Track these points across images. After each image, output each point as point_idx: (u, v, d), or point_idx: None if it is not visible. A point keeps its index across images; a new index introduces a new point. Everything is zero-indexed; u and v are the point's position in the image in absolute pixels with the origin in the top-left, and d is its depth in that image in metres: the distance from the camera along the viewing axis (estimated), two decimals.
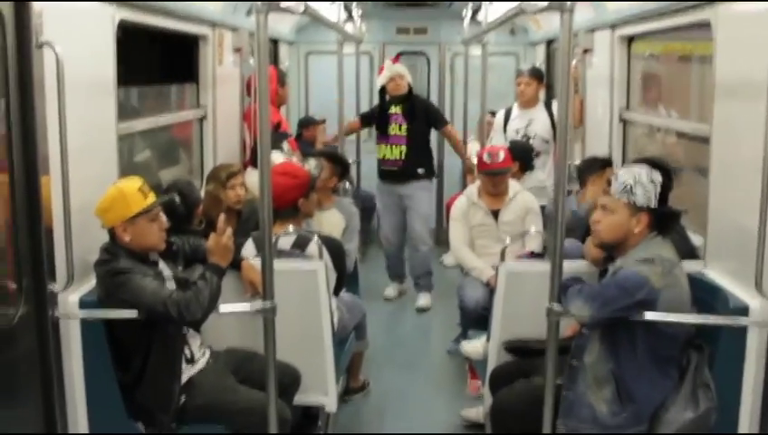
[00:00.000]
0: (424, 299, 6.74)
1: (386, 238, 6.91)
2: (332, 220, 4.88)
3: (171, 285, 3.23)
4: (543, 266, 3.14)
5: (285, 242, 3.87)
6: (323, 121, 7.45)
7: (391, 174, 6.68)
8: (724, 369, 3.01)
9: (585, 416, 3.00)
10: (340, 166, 5.22)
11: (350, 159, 6.53)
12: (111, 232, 3.15)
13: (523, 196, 5.08)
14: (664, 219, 3.07)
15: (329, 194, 5.07)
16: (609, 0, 4.90)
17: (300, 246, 3.89)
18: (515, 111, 6.17)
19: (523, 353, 3.63)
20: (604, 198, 3.14)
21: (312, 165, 4.76)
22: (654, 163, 3.11)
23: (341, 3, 6.52)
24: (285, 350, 3.23)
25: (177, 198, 3.93)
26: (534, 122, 6.02)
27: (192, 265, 3.55)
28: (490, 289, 4.59)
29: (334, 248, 4.03)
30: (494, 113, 6.62)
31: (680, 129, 4.56)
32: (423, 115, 6.59)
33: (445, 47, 8.91)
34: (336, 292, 4.09)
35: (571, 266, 3.18)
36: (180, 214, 3.97)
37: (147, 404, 3.16)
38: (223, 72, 5.31)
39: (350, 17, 7.44)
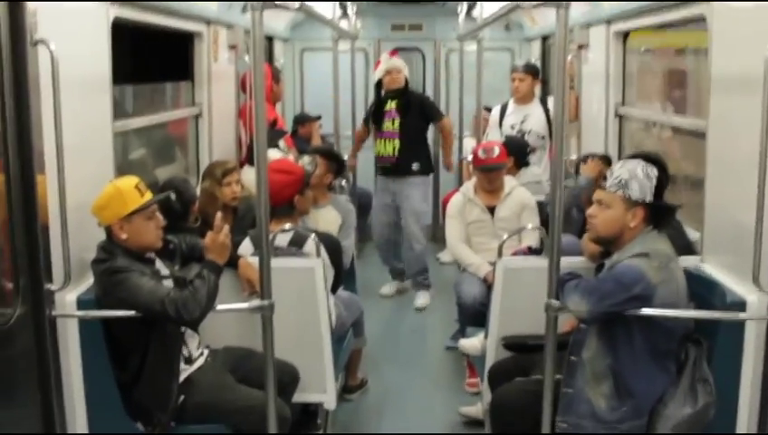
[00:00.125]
0: (422, 298, 6.71)
1: (376, 234, 6.89)
2: (328, 217, 4.87)
3: (168, 284, 3.22)
4: (541, 262, 3.15)
5: (282, 240, 3.86)
6: (319, 118, 7.44)
7: (386, 170, 6.66)
8: (723, 363, 3.01)
9: (584, 412, 3.00)
10: (335, 163, 5.20)
11: (346, 155, 6.53)
12: (108, 230, 3.14)
13: (519, 192, 5.08)
14: (660, 214, 3.07)
15: (325, 191, 5.06)
16: None
17: (297, 243, 3.88)
18: (511, 106, 6.18)
19: (522, 349, 3.63)
20: (600, 192, 3.15)
21: (305, 161, 4.75)
22: (650, 158, 3.12)
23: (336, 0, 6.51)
24: (283, 348, 3.22)
25: (173, 196, 3.92)
26: (530, 118, 6.02)
27: (189, 263, 3.54)
28: (487, 285, 4.59)
29: (331, 245, 4.03)
30: (489, 109, 6.61)
31: (676, 124, 4.57)
32: (417, 109, 6.52)
33: (440, 43, 8.92)
34: (334, 289, 4.09)
35: (568, 262, 3.18)
36: (176, 211, 3.97)
37: (145, 403, 3.15)
38: (218, 69, 5.30)
39: (345, 14, 7.42)
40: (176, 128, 5.30)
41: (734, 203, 3.18)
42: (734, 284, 3.11)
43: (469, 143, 7.30)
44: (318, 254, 3.77)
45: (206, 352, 3.47)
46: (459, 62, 7.62)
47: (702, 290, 3.17)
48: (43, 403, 2.91)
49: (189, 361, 3.33)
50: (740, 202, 3.01)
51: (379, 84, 6.61)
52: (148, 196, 3.18)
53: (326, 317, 3.70)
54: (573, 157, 5.45)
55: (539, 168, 5.94)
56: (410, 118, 6.47)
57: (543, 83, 7.17)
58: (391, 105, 6.51)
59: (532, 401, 3.06)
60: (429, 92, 8.77)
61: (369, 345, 5.11)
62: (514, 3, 3.06)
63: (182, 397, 3.23)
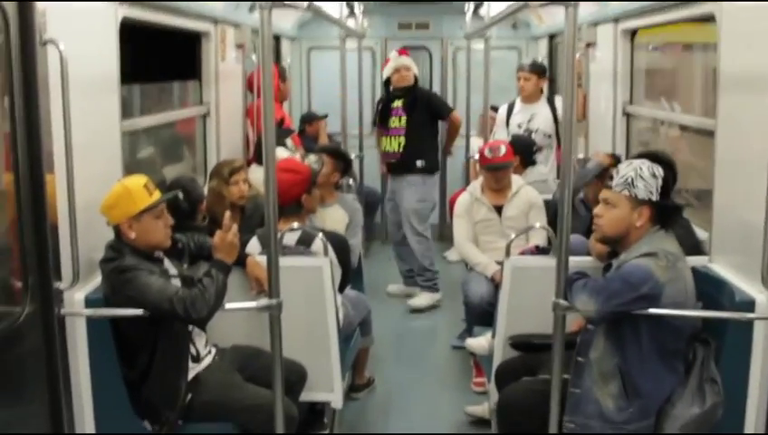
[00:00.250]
0: (418, 299, 6.58)
1: (390, 235, 6.87)
2: (335, 216, 4.86)
3: (177, 283, 3.23)
4: (549, 262, 3.14)
5: (290, 238, 3.87)
6: (326, 117, 7.44)
7: (390, 167, 6.64)
8: (731, 363, 3.01)
9: (591, 412, 2.99)
10: (342, 161, 5.20)
11: (353, 154, 6.53)
12: (117, 229, 3.15)
13: (527, 191, 5.07)
14: (666, 213, 3.06)
15: (331, 190, 5.05)
16: None
17: (305, 242, 3.89)
18: (518, 105, 6.19)
19: (529, 349, 3.63)
20: (606, 191, 3.14)
21: (312, 160, 4.75)
22: (657, 157, 3.11)
23: None
24: (291, 347, 3.23)
25: (181, 195, 3.93)
26: (537, 117, 6.02)
27: (197, 262, 3.55)
28: (495, 284, 4.59)
29: (339, 244, 4.03)
30: (495, 109, 6.61)
31: (684, 122, 4.55)
32: (424, 106, 6.46)
33: (447, 42, 8.90)
34: (341, 288, 4.09)
35: (575, 262, 3.18)
36: (184, 211, 3.98)
37: (153, 401, 3.16)
38: (225, 68, 5.30)
39: (352, 13, 7.43)
40: (183, 127, 5.31)
41: (743, 202, 3.17)
42: (742, 283, 3.10)
43: (476, 142, 7.29)
44: (326, 253, 3.77)
45: (213, 350, 3.47)
46: (466, 61, 7.61)
47: (710, 290, 3.16)
48: (51, 402, 2.92)
49: (197, 359, 3.34)
50: (749, 201, 3.00)
51: (387, 82, 6.60)
52: (157, 195, 3.18)
53: (334, 316, 3.70)
54: (581, 156, 5.43)
55: (545, 166, 5.94)
56: (417, 115, 6.43)
57: (551, 82, 7.15)
58: (398, 104, 6.49)
59: (539, 400, 3.06)
60: (436, 91, 8.73)
61: (376, 344, 5.10)
62: (523, 1, 3.05)
63: (189, 395, 3.24)
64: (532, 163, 5.72)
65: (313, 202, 4.20)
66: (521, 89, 6.11)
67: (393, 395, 4.98)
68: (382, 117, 6.61)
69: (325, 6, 5.41)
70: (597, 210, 3.16)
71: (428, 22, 8.88)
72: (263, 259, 3.24)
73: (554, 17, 6.93)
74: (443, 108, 6.67)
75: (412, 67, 6.46)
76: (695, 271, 3.12)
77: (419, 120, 6.46)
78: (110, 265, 3.08)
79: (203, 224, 4.23)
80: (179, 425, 3.23)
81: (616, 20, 5.09)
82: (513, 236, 4.01)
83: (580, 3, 2.73)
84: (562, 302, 2.94)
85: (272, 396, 3.04)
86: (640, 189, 3.01)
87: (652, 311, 2.88)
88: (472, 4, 7.10)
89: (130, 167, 3.78)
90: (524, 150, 5.58)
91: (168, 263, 3.31)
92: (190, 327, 3.29)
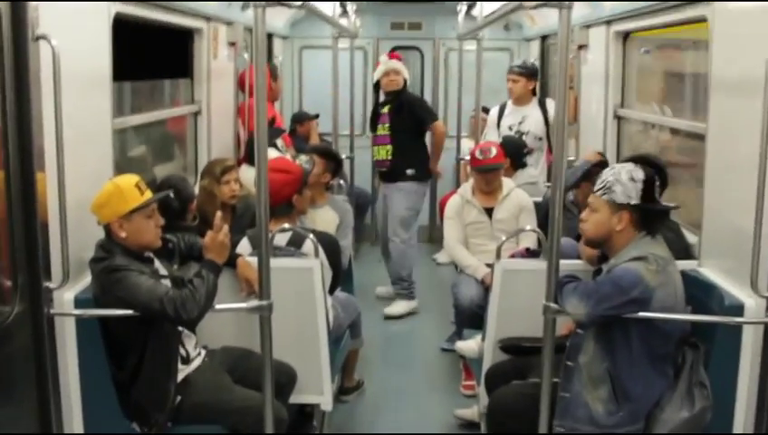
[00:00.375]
0: (394, 307, 6.49)
1: (379, 235, 6.85)
2: (326, 217, 4.85)
3: (167, 283, 3.21)
4: (539, 264, 3.14)
5: (281, 239, 3.85)
6: (317, 117, 7.43)
7: (382, 174, 6.62)
8: (720, 367, 3.02)
9: (581, 416, 3.00)
10: (332, 162, 5.19)
11: (344, 155, 6.51)
12: (107, 229, 3.12)
13: (517, 193, 5.08)
14: (649, 217, 3.06)
15: (322, 191, 5.04)
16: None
17: (295, 243, 3.88)
18: (509, 107, 6.17)
19: (519, 352, 3.63)
20: (591, 196, 3.16)
21: (302, 160, 4.74)
22: (647, 161, 3.12)
23: None
24: (281, 348, 3.21)
25: (172, 194, 3.91)
26: (528, 119, 6.01)
27: (187, 262, 3.53)
28: (485, 287, 4.60)
29: (330, 246, 4.02)
30: (487, 110, 6.60)
31: (674, 126, 4.57)
32: (408, 113, 6.33)
33: (439, 42, 8.91)
34: (332, 290, 4.08)
35: (566, 265, 3.18)
36: (174, 210, 3.96)
37: (142, 403, 3.14)
38: (217, 66, 5.28)
39: (344, 12, 7.42)
40: (175, 125, 5.28)
41: (733, 206, 3.18)
42: (731, 287, 3.11)
43: (467, 144, 7.30)
44: (316, 254, 3.76)
45: (203, 352, 3.46)
46: (458, 62, 7.61)
47: (699, 294, 3.18)
48: (40, 402, 2.90)
49: (186, 361, 3.32)
50: (738, 206, 3.01)
51: (377, 86, 6.56)
52: (148, 194, 3.16)
53: (324, 318, 3.69)
54: (571, 159, 5.44)
55: (536, 169, 5.95)
56: (402, 122, 6.32)
57: (542, 84, 7.16)
58: (386, 109, 6.41)
59: (529, 404, 3.06)
60: (428, 92, 8.78)
61: (366, 347, 5.10)
62: (517, 2, 3.05)
63: (179, 397, 3.22)
64: (523, 165, 5.73)
65: (304, 203, 4.18)
66: (509, 91, 6.11)
67: (382, 398, 4.97)
68: (372, 124, 6.58)
69: (318, 5, 5.40)
70: (582, 214, 3.19)
71: (421, 22, 8.89)
72: (253, 260, 3.23)
73: (547, 19, 6.95)
74: (427, 117, 6.45)
75: (402, 71, 6.37)
76: (684, 275, 3.13)
77: (404, 127, 6.34)
78: (100, 264, 3.05)
79: (193, 223, 4.21)
80: (168, 427, 3.21)
81: (608, 22, 5.11)
82: (503, 238, 4.02)
83: (574, 4, 2.73)
84: (553, 305, 2.94)
85: (261, 398, 3.03)
86: (618, 194, 3.01)
87: (642, 315, 2.88)
88: (465, 5, 7.09)
89: (121, 165, 3.75)
90: (515, 153, 5.58)
91: (158, 263, 3.30)
92: (180, 328, 3.27)
